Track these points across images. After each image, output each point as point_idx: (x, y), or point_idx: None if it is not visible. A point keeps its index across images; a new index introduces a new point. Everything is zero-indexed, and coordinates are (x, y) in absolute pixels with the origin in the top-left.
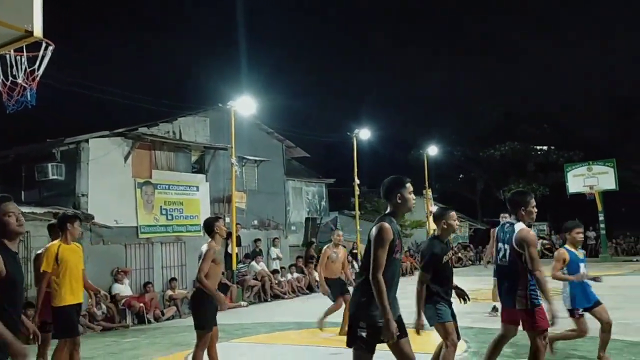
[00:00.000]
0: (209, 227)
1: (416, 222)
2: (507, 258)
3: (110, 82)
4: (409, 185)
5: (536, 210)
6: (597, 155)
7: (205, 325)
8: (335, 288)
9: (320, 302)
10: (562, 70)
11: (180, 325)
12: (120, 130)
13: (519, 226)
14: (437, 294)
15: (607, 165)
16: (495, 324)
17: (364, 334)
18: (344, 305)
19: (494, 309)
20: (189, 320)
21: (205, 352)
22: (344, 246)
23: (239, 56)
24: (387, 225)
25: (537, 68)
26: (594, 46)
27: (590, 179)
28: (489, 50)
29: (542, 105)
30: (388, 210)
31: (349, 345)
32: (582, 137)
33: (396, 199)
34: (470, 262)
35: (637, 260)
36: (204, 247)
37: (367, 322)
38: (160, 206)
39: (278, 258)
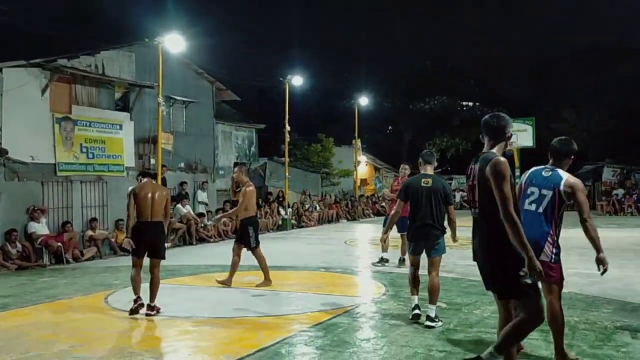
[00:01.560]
0: None
1: (344, 171)
2: (544, 204)
3: (29, 8)
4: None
5: None
6: (518, 112)
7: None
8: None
9: None
10: (489, 30)
11: (100, 266)
12: (37, 60)
13: (564, 173)
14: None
15: (527, 123)
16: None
17: (528, 281)
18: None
19: (402, 261)
20: (110, 262)
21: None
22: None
23: None
24: (503, 159)
25: (464, 24)
26: (518, 9)
27: None
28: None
29: (467, 61)
30: (491, 148)
31: (514, 296)
32: (505, 95)
33: (505, 136)
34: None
35: None
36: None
37: (525, 265)
38: (81, 144)
39: (204, 203)
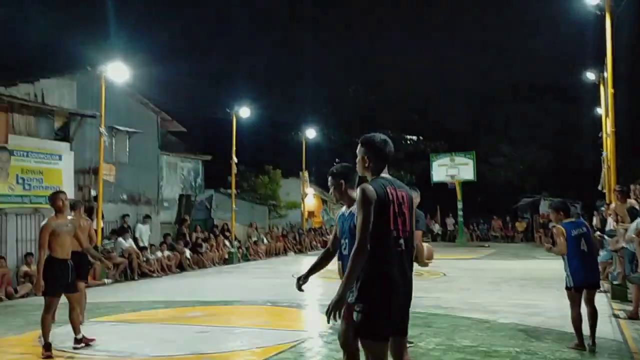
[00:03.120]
0: (50, 201)
1: (292, 204)
2: None
3: None
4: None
5: None
6: (459, 146)
7: (47, 291)
8: None
9: (190, 281)
10: (425, 65)
11: (35, 304)
12: None
13: None
14: None
15: (468, 157)
16: None
17: None
18: None
19: None
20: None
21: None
22: None
23: (109, 17)
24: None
25: (401, 60)
26: (451, 44)
27: (452, 169)
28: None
29: (407, 95)
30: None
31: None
32: (447, 129)
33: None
34: None
35: (488, 246)
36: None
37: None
38: (17, 174)
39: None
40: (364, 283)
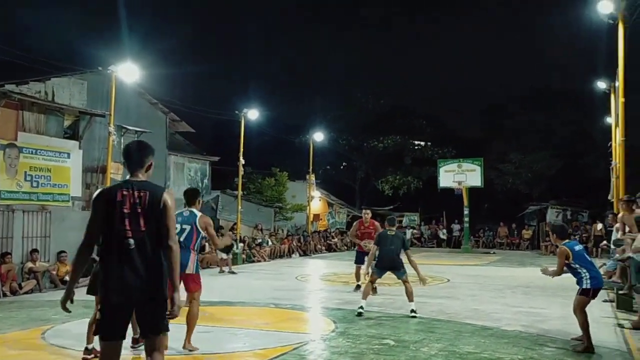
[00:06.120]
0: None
1: (298, 206)
2: None
3: None
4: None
5: None
6: (467, 153)
7: None
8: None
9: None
10: (436, 71)
11: (39, 300)
12: None
13: None
14: None
15: (475, 164)
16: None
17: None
18: None
19: (357, 287)
20: (49, 295)
21: None
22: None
23: (122, 18)
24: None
25: (418, 67)
26: (466, 54)
27: (459, 175)
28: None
29: (419, 101)
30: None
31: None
32: (456, 135)
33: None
34: (345, 248)
35: (493, 253)
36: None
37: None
38: (25, 171)
39: None
40: None
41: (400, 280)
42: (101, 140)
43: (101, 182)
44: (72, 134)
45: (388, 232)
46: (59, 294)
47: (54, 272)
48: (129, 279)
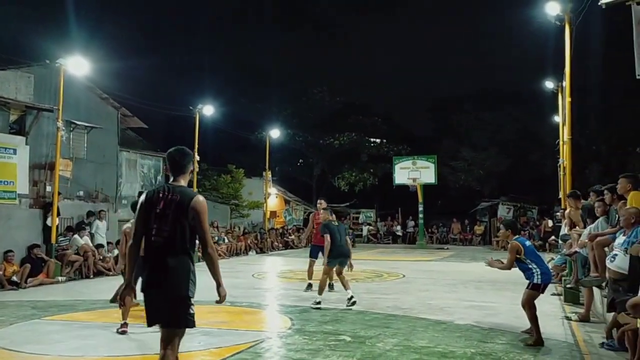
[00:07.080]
0: None
1: (254, 203)
2: None
3: None
4: None
5: None
6: (421, 150)
7: None
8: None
9: None
10: (390, 70)
11: None
12: None
13: None
14: None
15: (430, 161)
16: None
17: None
18: None
19: (309, 286)
20: None
21: None
22: None
23: (69, 9)
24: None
25: (366, 64)
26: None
27: (414, 172)
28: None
29: (374, 100)
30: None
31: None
32: (409, 133)
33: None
34: (303, 245)
35: (447, 248)
36: None
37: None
38: None
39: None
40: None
41: (341, 269)
42: (49, 136)
43: (49, 179)
44: (18, 129)
45: (334, 223)
46: (5, 295)
47: (1, 272)
48: (151, 275)
